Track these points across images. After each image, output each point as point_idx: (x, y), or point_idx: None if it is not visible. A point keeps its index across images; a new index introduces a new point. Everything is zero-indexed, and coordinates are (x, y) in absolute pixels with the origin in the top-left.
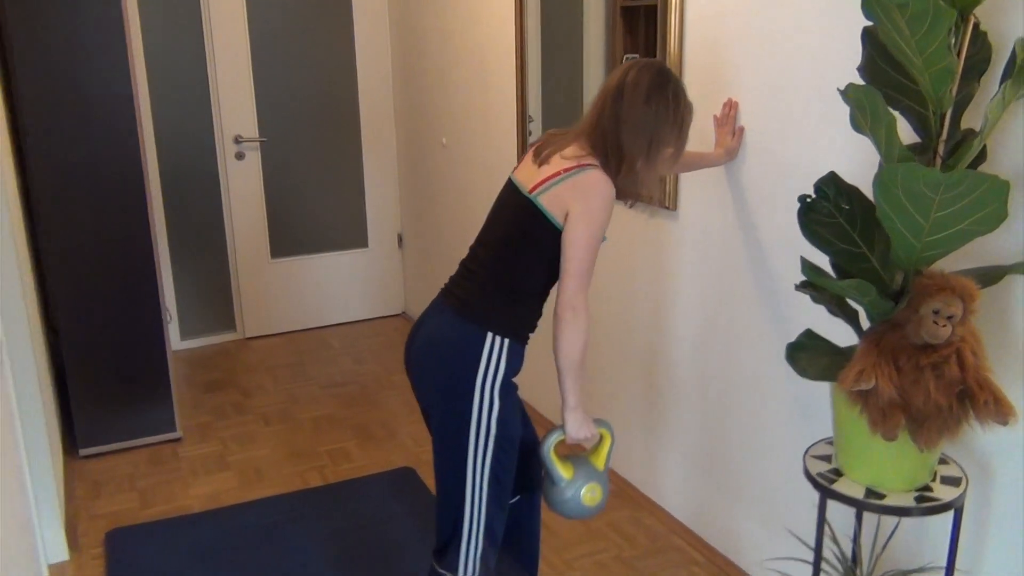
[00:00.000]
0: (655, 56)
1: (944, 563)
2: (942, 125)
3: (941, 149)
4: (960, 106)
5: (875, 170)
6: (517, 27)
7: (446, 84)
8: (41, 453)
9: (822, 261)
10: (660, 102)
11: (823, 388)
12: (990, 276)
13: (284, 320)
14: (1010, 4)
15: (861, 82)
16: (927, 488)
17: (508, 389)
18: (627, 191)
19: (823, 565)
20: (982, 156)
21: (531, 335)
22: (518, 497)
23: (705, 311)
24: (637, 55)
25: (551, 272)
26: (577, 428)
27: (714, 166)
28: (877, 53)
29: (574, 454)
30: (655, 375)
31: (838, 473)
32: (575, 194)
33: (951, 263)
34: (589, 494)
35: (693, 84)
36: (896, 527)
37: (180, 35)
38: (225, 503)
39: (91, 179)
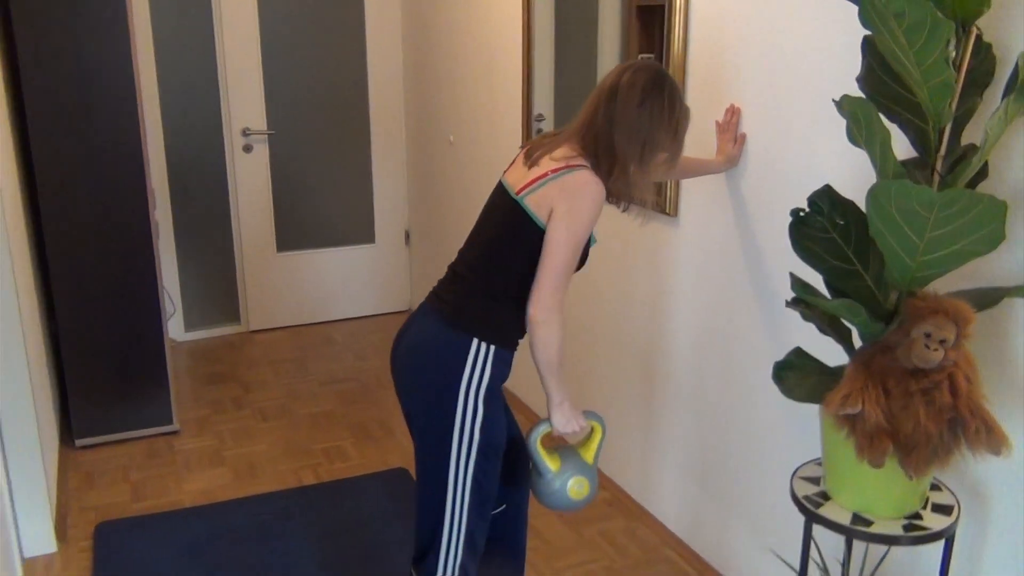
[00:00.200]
0: (662, 57)
1: None
2: (941, 140)
3: (939, 165)
4: (961, 121)
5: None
6: (524, 25)
7: (454, 81)
8: (28, 444)
9: (815, 278)
10: (655, 105)
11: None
12: (988, 298)
13: (289, 314)
14: (1017, 15)
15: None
16: (917, 516)
17: (493, 396)
18: (619, 194)
19: None
20: (983, 173)
21: (520, 340)
22: (503, 507)
23: (703, 319)
24: (652, 55)
25: None
26: (564, 423)
27: (714, 173)
28: (877, 64)
29: (563, 445)
30: (652, 383)
31: (826, 497)
32: (561, 194)
33: (948, 283)
34: (576, 487)
35: (696, 88)
36: (886, 553)
37: (190, 26)
38: (217, 499)
39: (92, 172)
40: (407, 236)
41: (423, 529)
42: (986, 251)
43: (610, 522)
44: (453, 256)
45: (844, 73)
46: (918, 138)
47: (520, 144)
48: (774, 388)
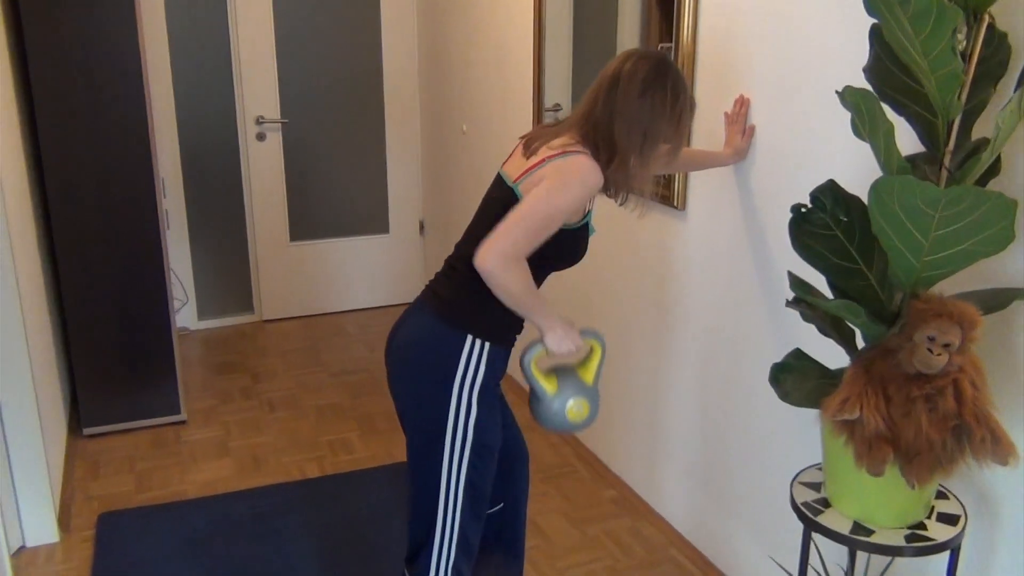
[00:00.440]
0: (672, 47)
1: None
2: (950, 134)
3: (948, 160)
4: (971, 114)
5: None
6: (536, 14)
7: (468, 70)
8: (30, 434)
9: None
10: (657, 94)
11: None
12: (996, 300)
13: (302, 304)
14: None
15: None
16: (921, 525)
17: (488, 395)
18: (618, 185)
19: None
20: (995, 169)
21: (517, 337)
22: (501, 505)
23: (712, 315)
24: (671, 45)
25: (536, 268)
26: (558, 343)
27: (722, 166)
28: (884, 53)
29: (561, 366)
30: (658, 378)
31: (826, 503)
32: (552, 173)
33: (956, 284)
34: (575, 408)
35: (705, 78)
36: (890, 563)
37: (204, 14)
38: (220, 491)
39: (100, 160)
40: (421, 226)
41: (415, 528)
42: (995, 251)
43: (616, 520)
44: None
45: (857, 63)
46: (926, 131)
47: None
48: None
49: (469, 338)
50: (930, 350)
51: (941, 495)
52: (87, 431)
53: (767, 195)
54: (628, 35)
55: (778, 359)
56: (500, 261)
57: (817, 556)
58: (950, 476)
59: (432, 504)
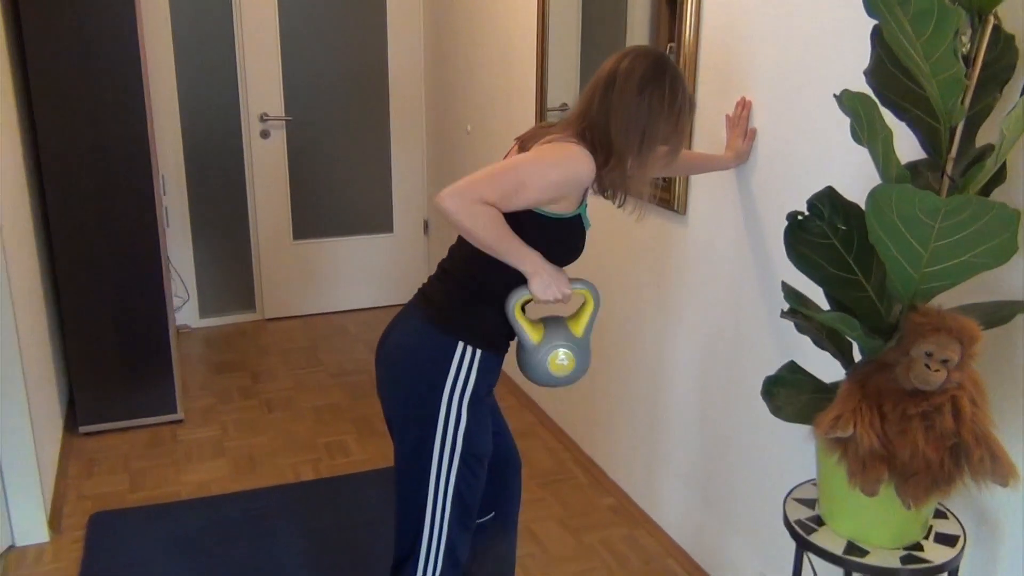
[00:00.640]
0: (675, 46)
1: None
2: (952, 140)
3: (950, 167)
4: (976, 119)
5: None
6: (539, 14)
7: (472, 70)
8: (21, 433)
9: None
10: (655, 94)
11: None
12: (998, 315)
13: (304, 303)
14: None
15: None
16: (917, 546)
17: (478, 403)
18: (614, 186)
19: None
20: (1000, 177)
21: (510, 344)
22: (492, 515)
23: (712, 322)
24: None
25: None
26: (543, 289)
27: (723, 169)
28: (886, 56)
29: (551, 316)
30: (657, 386)
31: (820, 522)
32: (539, 147)
33: (957, 296)
34: (556, 360)
35: (707, 80)
36: None
37: (208, 10)
38: (214, 492)
39: (98, 155)
40: (426, 226)
41: (402, 537)
42: (997, 264)
43: (612, 529)
44: None
45: (860, 66)
46: (928, 137)
47: None
48: None
49: (460, 344)
50: (927, 366)
51: (940, 514)
52: (83, 429)
53: (769, 200)
54: (637, 35)
55: (779, 366)
56: (458, 200)
57: (812, 574)
58: (948, 496)
59: (419, 513)
